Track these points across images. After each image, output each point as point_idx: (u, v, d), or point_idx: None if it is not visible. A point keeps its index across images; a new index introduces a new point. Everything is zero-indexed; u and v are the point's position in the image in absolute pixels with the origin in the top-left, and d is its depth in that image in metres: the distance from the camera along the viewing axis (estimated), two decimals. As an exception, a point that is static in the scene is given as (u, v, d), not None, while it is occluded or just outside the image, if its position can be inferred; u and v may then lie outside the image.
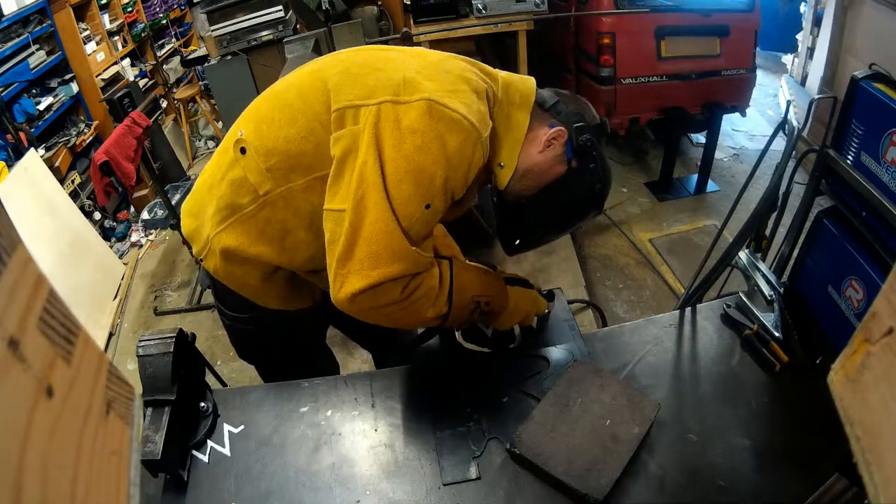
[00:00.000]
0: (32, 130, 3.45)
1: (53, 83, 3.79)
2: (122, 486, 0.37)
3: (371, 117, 0.98)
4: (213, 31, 3.49)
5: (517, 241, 1.29)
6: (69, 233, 3.12)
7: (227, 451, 1.14)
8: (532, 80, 1.17)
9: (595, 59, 3.56)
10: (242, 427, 1.18)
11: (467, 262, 1.25)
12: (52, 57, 3.73)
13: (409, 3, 3.38)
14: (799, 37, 4.64)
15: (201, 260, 1.21)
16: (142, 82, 4.69)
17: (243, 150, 1.08)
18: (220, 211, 1.13)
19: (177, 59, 5.45)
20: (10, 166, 3.02)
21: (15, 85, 3.39)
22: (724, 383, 1.26)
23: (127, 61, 4.61)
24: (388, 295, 1.00)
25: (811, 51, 4.34)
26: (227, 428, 1.17)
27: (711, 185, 3.85)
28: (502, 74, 1.16)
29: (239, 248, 1.13)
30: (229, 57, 3.49)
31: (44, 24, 3.67)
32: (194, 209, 1.21)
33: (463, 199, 1.13)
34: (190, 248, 1.26)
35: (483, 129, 1.01)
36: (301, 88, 1.08)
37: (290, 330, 1.34)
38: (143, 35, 4.90)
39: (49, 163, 3.37)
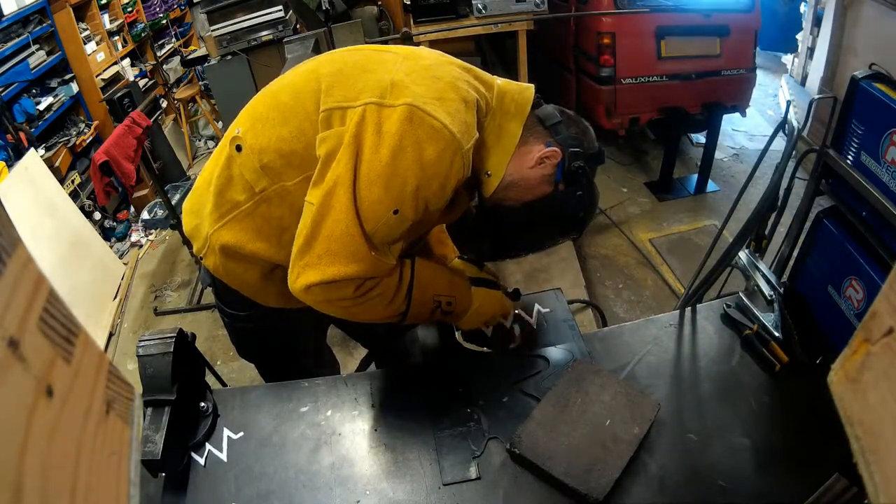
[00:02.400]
0: (32, 130, 3.45)
1: (53, 83, 3.79)
2: (122, 486, 0.37)
3: (355, 118, 0.98)
4: (213, 31, 3.49)
5: (486, 250, 1.29)
6: (69, 233, 3.12)
7: (223, 456, 1.13)
8: (531, 90, 1.16)
9: (595, 59, 3.56)
10: (242, 434, 1.17)
11: (439, 263, 1.23)
12: (52, 57, 3.73)
13: (409, 3, 3.38)
14: (799, 37, 4.64)
15: (201, 258, 1.21)
16: (142, 82, 4.69)
17: (239, 148, 1.09)
18: (218, 208, 1.13)
19: (177, 59, 5.45)
20: (10, 166, 3.02)
21: (15, 85, 3.39)
22: (724, 383, 1.26)
23: (127, 61, 4.61)
24: (340, 292, 1.02)
25: (811, 51, 4.34)
26: (226, 433, 1.17)
27: (711, 185, 3.85)
28: (499, 82, 1.15)
29: (237, 244, 1.13)
30: (229, 57, 3.49)
31: (44, 24, 3.67)
32: (194, 207, 1.21)
33: (454, 204, 1.12)
34: (191, 246, 1.26)
35: (465, 141, 0.99)
36: (295, 88, 1.09)
37: (290, 329, 1.34)
38: (143, 35, 4.90)
39: (49, 163, 3.37)
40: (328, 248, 0.98)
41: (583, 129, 1.17)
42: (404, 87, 0.99)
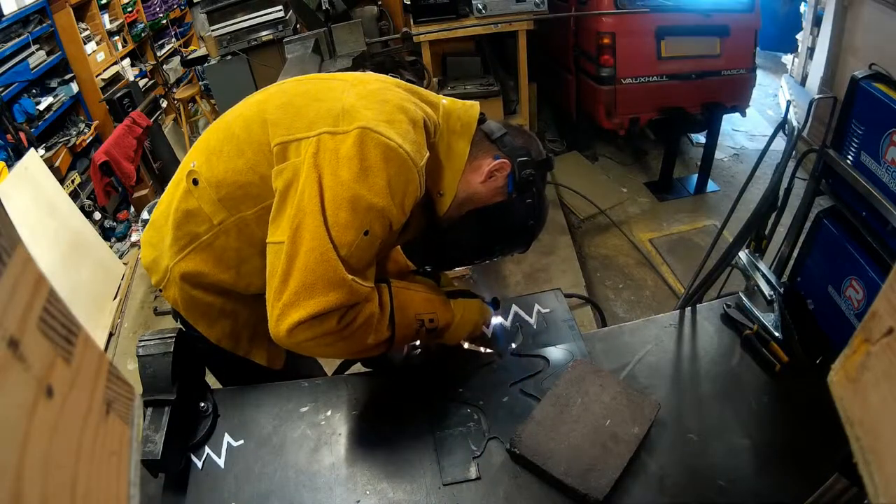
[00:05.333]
0: (32, 130, 3.45)
1: (53, 83, 3.80)
2: (122, 486, 0.37)
3: (311, 148, 0.98)
4: (213, 31, 3.49)
5: (432, 258, 1.30)
6: (69, 233, 3.12)
7: (221, 461, 1.13)
8: (476, 107, 1.18)
9: (595, 59, 3.56)
10: (242, 442, 1.16)
11: (407, 281, 1.22)
12: (52, 57, 3.74)
13: (409, 3, 3.38)
14: (799, 37, 4.64)
15: (161, 290, 1.21)
16: (142, 82, 4.69)
17: (196, 182, 1.10)
18: (177, 241, 1.14)
19: (177, 59, 5.46)
20: (10, 166, 3.02)
21: (15, 85, 3.40)
22: (724, 383, 1.26)
23: (127, 61, 4.61)
24: (325, 325, 0.97)
25: (811, 51, 4.34)
26: (226, 439, 1.16)
27: (711, 185, 3.85)
28: (444, 102, 1.17)
29: (198, 273, 1.14)
30: (229, 57, 3.49)
31: (44, 24, 3.67)
32: (153, 240, 1.21)
33: (407, 226, 1.12)
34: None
35: (418, 160, 1.01)
36: (246, 120, 1.10)
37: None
38: (143, 35, 4.91)
39: (49, 163, 3.37)
40: (304, 280, 0.95)
41: (529, 138, 1.19)
42: (356, 111, 1.00)
